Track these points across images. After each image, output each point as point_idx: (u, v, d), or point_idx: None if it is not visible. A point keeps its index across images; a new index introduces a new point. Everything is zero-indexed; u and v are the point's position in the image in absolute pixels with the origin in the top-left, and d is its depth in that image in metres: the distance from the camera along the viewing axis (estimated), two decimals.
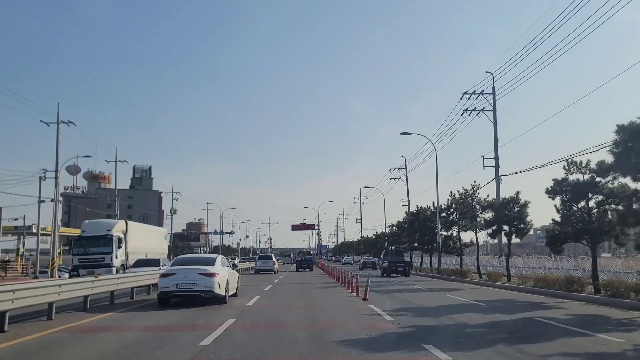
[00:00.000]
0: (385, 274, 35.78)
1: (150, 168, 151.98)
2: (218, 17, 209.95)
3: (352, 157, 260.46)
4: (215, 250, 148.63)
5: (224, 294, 15.55)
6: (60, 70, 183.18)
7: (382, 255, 39.86)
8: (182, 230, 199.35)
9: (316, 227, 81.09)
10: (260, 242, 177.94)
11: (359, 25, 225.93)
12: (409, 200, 60.16)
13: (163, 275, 15.58)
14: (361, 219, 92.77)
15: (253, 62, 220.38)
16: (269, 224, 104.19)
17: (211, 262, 16.25)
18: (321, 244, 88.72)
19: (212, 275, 15.21)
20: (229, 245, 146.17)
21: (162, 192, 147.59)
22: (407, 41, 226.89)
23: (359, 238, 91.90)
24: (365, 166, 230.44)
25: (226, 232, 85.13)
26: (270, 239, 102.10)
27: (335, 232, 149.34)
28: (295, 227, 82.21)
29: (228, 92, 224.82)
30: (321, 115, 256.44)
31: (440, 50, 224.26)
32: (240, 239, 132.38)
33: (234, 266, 22.99)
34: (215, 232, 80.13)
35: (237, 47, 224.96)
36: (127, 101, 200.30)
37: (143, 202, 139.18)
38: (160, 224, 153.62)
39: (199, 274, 15.17)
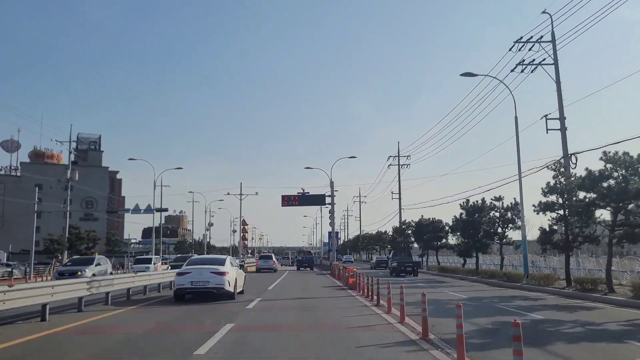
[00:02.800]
0: (394, 274, 35.18)
1: (99, 138, 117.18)
2: (218, 17, 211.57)
3: (347, 164, 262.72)
4: (182, 250, 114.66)
5: (232, 291, 17.24)
6: (61, 70, 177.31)
7: (390, 255, 41.64)
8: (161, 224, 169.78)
9: (328, 200, 46.78)
10: (253, 239, 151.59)
11: (359, 26, 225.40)
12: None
13: (179, 274, 17.19)
14: (399, 193, 58.43)
15: (253, 63, 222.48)
16: (240, 194, 58.28)
17: (222, 262, 17.87)
18: (336, 233, 52.84)
19: (222, 274, 16.93)
20: (200, 241, 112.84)
21: (111, 169, 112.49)
22: (407, 41, 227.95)
23: (398, 225, 57.24)
24: (365, 165, 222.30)
25: (161, 210, 49.83)
26: (245, 225, 60.29)
27: (345, 223, 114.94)
28: (288, 201, 47.16)
29: (228, 93, 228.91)
30: (321, 115, 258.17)
31: (440, 49, 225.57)
32: (208, 229, 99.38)
33: (241, 266, 26.84)
34: (149, 210, 45.15)
35: (237, 48, 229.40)
36: (127, 101, 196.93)
37: (88, 182, 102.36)
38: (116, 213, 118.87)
39: (211, 272, 16.84)
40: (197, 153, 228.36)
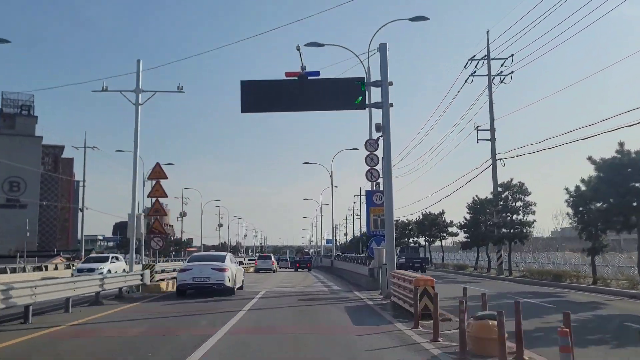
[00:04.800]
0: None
1: (33, 100, 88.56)
2: (216, 14, 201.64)
3: (351, 154, 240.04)
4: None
5: (232, 287, 17.65)
6: (60, 67, 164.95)
7: (398, 252, 38.36)
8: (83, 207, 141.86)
9: (363, 84, 16.37)
10: (246, 235, 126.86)
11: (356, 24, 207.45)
12: None
13: (181, 271, 17.84)
14: (492, 127, 29.62)
15: (252, 61, 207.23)
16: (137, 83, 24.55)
17: (222, 259, 18.50)
18: (379, 190, 20.74)
19: (223, 270, 17.28)
20: (180, 238, 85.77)
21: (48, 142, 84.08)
22: (405, 38, 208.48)
23: (487, 194, 28.16)
24: (364, 163, 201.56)
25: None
26: (160, 174, 30.03)
27: (353, 213, 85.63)
28: (261, 99, 17.80)
29: (227, 91, 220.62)
30: (320, 113, 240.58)
31: (438, 46, 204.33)
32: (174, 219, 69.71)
33: (240, 263, 26.37)
34: None
35: (236, 46, 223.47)
36: (123, 99, 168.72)
37: (17, 156, 73.03)
38: (65, 197, 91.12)
39: (212, 269, 17.22)
40: (195, 152, 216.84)
